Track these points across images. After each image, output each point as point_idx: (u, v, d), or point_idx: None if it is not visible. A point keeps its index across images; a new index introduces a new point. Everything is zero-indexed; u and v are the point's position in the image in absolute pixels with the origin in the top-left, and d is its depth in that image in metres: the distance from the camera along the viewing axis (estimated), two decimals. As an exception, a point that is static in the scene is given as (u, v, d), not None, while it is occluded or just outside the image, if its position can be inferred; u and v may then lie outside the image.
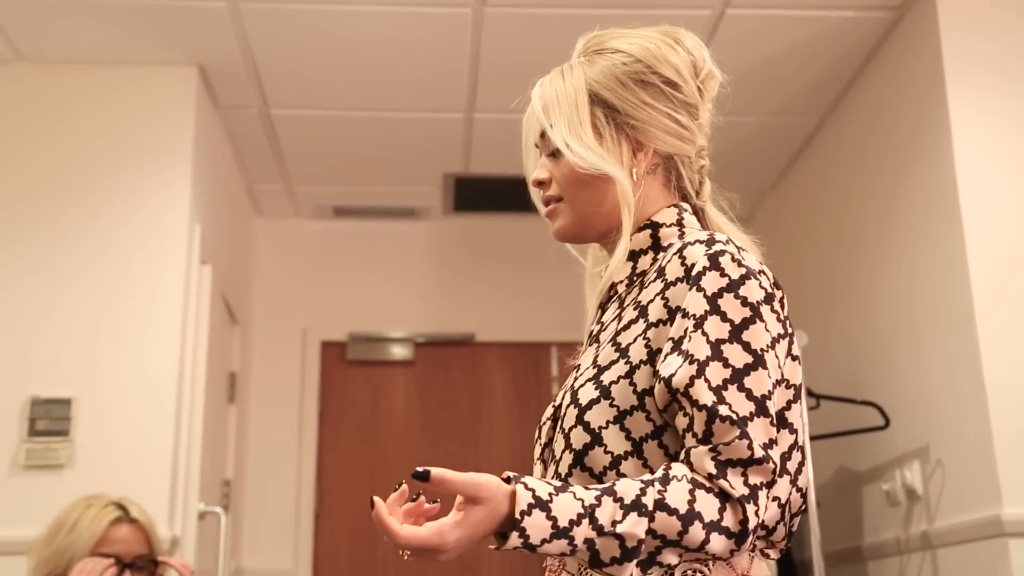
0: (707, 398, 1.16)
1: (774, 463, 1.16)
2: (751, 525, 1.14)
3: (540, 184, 1.42)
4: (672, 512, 1.12)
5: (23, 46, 3.40)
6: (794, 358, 1.29)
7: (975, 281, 2.89)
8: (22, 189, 3.38)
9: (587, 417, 1.25)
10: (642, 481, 1.15)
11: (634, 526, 1.11)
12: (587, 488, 1.14)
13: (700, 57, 1.41)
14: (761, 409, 1.18)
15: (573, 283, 1.56)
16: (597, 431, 1.24)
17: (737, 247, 1.27)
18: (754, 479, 1.15)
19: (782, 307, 1.28)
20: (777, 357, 1.22)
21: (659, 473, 1.16)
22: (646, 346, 1.25)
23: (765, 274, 1.27)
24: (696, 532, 1.13)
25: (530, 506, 1.11)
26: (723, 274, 1.23)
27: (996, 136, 3.03)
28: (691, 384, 1.18)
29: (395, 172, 4.38)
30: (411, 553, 1.15)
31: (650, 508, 1.12)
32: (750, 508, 1.14)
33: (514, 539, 1.11)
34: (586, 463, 1.24)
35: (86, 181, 3.41)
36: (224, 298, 3.97)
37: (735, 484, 1.14)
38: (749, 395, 1.17)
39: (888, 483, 3.33)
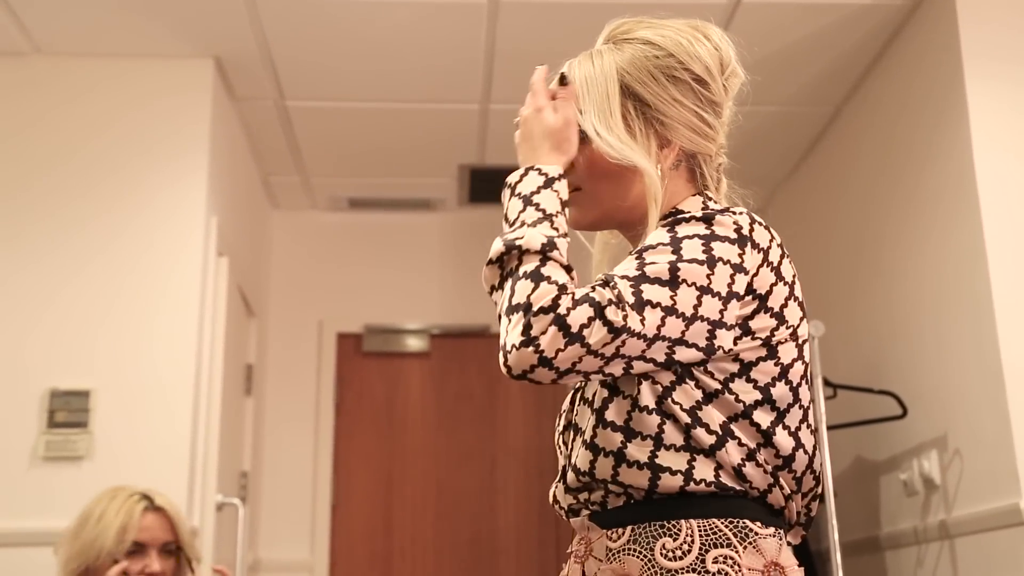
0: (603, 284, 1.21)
1: (622, 317, 1.17)
2: (563, 314, 1.16)
3: None
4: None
5: (40, 38, 3.42)
6: (799, 345, 1.30)
7: (993, 270, 2.88)
8: (37, 181, 3.39)
9: (613, 382, 1.27)
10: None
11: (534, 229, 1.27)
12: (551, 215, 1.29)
13: (727, 54, 1.41)
14: (639, 305, 1.18)
15: (589, 274, 1.56)
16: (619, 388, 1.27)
17: (752, 219, 1.28)
18: (610, 317, 1.16)
19: (768, 293, 1.27)
20: (699, 303, 1.21)
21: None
22: None
23: (762, 252, 1.26)
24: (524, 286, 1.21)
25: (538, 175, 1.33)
26: (708, 226, 1.25)
27: (1014, 124, 3.01)
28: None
29: (410, 164, 4.39)
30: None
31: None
32: (546, 322, 1.17)
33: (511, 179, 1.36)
34: (607, 415, 1.26)
35: (103, 174, 3.42)
36: (240, 290, 3.98)
37: (575, 311, 1.17)
38: (638, 296, 1.19)
39: (906, 473, 3.32)
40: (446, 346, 4.82)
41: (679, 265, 1.20)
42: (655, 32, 1.39)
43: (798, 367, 1.29)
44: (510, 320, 1.20)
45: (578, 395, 1.35)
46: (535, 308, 1.17)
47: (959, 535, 2.99)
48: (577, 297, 1.18)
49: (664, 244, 1.23)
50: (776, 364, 1.27)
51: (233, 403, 3.86)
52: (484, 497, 4.66)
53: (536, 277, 1.21)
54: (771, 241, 1.28)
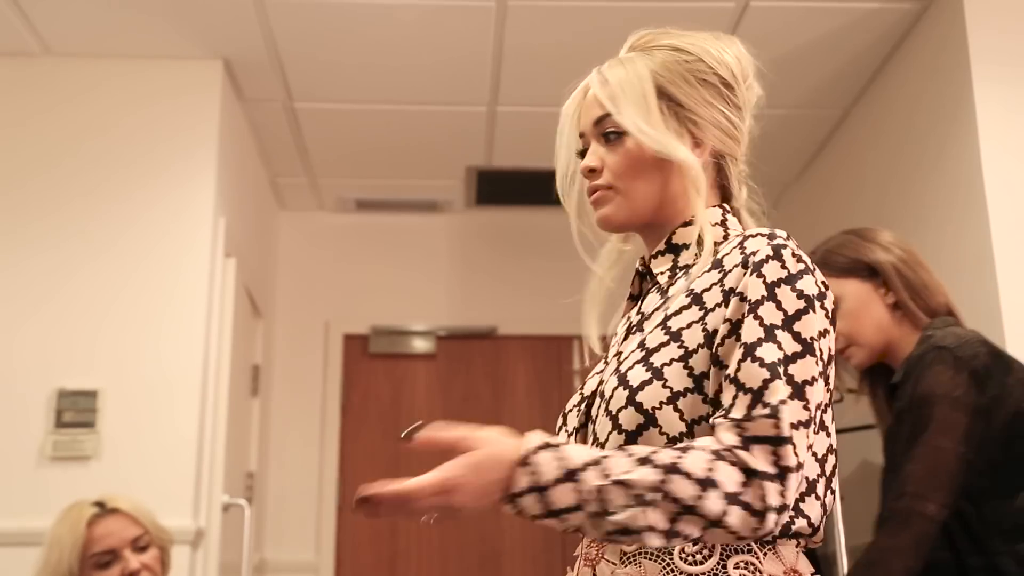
0: (753, 380, 1.17)
1: (795, 445, 1.16)
2: (774, 504, 1.13)
3: (591, 172, 1.41)
4: (687, 475, 1.12)
5: (50, 39, 3.43)
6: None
7: (1001, 273, 2.87)
8: (45, 182, 3.40)
9: (639, 398, 1.24)
10: (657, 447, 1.17)
11: (644, 475, 1.12)
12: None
13: (748, 65, 1.44)
14: (798, 393, 1.18)
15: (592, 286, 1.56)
16: (651, 412, 1.23)
17: (796, 244, 1.29)
18: (784, 461, 1.14)
19: (833, 308, 1.29)
20: (821, 350, 1.23)
21: (680, 444, 1.18)
22: (703, 330, 1.26)
23: (817, 274, 1.29)
24: (713, 501, 1.12)
25: (538, 448, 1.13)
26: (783, 266, 1.24)
27: (1022, 128, 3.00)
28: (738, 368, 1.19)
29: (418, 165, 4.39)
30: (428, 509, 1.14)
31: (665, 465, 1.12)
32: (773, 487, 1.13)
33: (521, 478, 1.10)
34: (640, 443, 1.23)
35: (111, 175, 3.43)
36: (248, 291, 3.98)
37: (760, 460, 1.14)
38: (790, 380, 1.18)
39: (912, 477, 3.31)
40: (452, 348, 4.82)
41: (795, 327, 1.21)
42: (681, 40, 1.42)
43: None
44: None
45: (599, 406, 1.31)
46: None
47: (966, 540, 2.98)
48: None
49: (765, 298, 1.22)
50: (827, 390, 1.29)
51: (240, 404, 3.87)
52: (490, 499, 4.66)
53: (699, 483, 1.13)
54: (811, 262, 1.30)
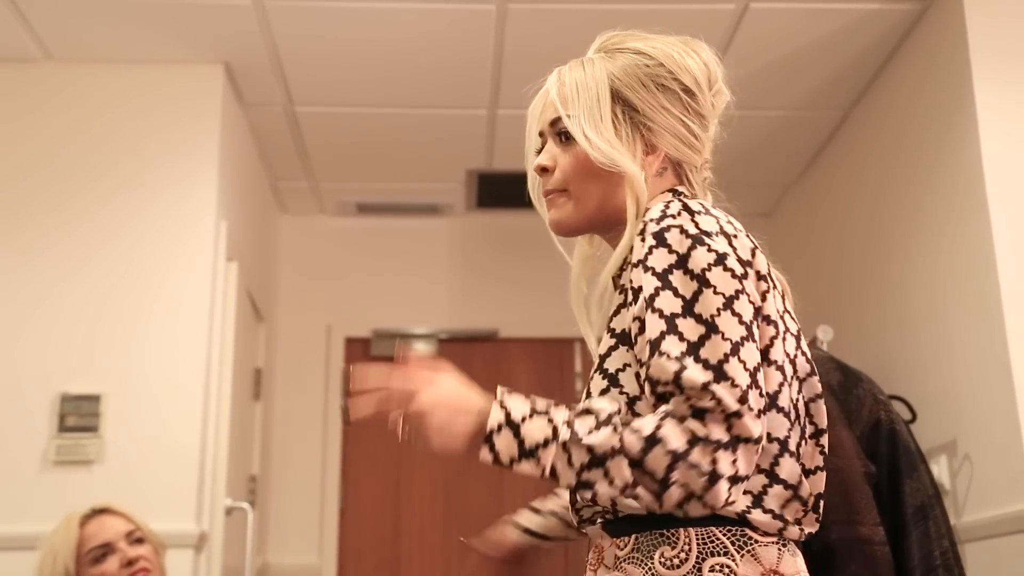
0: (665, 374, 1.18)
1: (753, 419, 1.16)
2: (724, 472, 1.14)
3: (543, 171, 1.42)
4: (635, 431, 1.16)
5: (52, 45, 3.43)
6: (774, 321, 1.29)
7: (1002, 273, 2.87)
8: (49, 188, 3.41)
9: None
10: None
11: (603, 406, 1.19)
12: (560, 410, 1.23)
13: (715, 72, 1.43)
14: (720, 375, 1.17)
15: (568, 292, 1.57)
16: None
17: (690, 211, 1.26)
18: (736, 430, 1.15)
19: (745, 261, 1.25)
20: (736, 314, 1.21)
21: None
22: (626, 329, 1.28)
23: (722, 233, 1.25)
24: (658, 456, 1.14)
25: (500, 425, 1.21)
26: (670, 251, 1.23)
27: (1023, 128, 3.01)
28: (649, 366, 1.20)
29: (418, 169, 4.39)
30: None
31: (615, 422, 1.18)
32: (725, 455, 1.14)
33: (484, 454, 1.22)
34: None
35: (113, 179, 3.44)
36: (249, 295, 3.99)
37: (713, 430, 1.15)
38: (706, 364, 1.17)
39: (914, 478, 3.31)
40: (454, 351, 4.81)
41: (696, 310, 1.20)
42: (646, 44, 1.42)
43: (778, 345, 1.28)
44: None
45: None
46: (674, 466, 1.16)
47: (968, 540, 2.98)
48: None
49: (660, 288, 1.22)
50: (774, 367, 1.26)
51: (242, 407, 3.87)
52: (492, 502, 4.65)
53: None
54: (716, 222, 1.27)
